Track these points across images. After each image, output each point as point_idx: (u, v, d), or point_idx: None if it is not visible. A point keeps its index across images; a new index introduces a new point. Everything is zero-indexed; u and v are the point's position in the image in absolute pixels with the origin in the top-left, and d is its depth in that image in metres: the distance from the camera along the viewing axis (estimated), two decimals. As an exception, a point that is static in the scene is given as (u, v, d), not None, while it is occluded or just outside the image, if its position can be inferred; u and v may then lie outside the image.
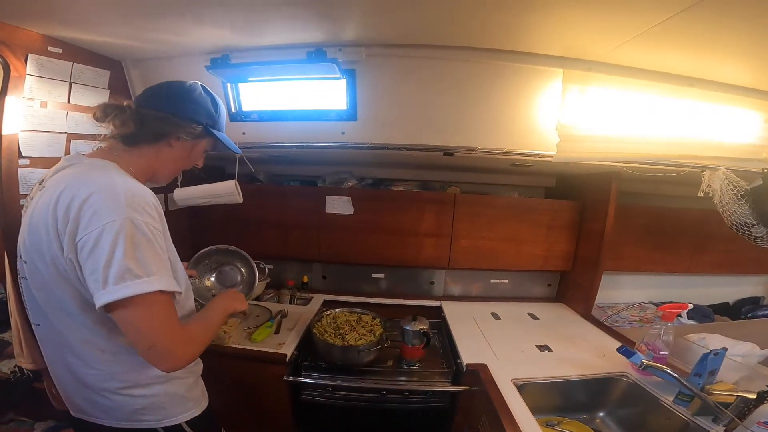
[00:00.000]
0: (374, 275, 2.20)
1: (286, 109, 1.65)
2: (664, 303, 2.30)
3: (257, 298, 2.03)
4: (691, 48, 1.18)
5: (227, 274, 1.70)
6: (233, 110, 1.66)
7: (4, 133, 1.16)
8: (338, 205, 2.02)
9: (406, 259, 2.09)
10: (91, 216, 0.71)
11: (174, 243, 0.89)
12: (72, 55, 1.34)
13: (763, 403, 1.07)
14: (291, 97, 1.62)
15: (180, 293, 0.83)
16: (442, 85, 1.46)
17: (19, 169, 1.20)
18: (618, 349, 1.34)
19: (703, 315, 2.28)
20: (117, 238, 0.70)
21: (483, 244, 2.07)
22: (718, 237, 1.77)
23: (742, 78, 1.39)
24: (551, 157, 1.46)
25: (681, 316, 2.13)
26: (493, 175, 2.27)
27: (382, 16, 1.18)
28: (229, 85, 1.59)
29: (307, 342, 1.63)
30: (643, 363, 1.20)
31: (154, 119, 0.89)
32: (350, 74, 1.46)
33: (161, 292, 0.74)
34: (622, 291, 2.39)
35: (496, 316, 1.97)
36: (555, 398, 1.40)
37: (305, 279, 2.15)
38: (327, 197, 2.02)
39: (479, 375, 1.36)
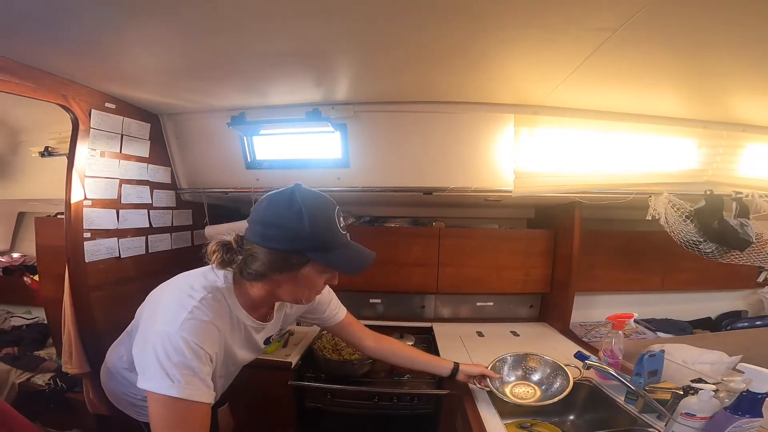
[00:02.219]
0: (371, 300, 2.43)
1: (291, 159, 1.97)
2: (644, 319, 2.51)
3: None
4: (615, 83, 1.38)
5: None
6: (249, 159, 1.97)
7: (73, 179, 1.45)
8: (338, 239, 2.29)
9: (399, 286, 2.32)
10: None
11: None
12: (122, 110, 1.63)
13: (687, 396, 1.18)
14: (295, 148, 1.94)
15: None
16: (419, 133, 1.75)
17: (84, 209, 1.49)
18: (575, 355, 1.52)
19: (680, 329, 2.42)
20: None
21: (467, 272, 2.30)
22: (688, 256, 1.82)
23: (670, 110, 1.62)
24: (511, 192, 1.73)
25: (630, 324, 2.23)
26: (475, 209, 2.53)
27: (365, 81, 1.48)
28: (245, 138, 1.91)
29: (310, 357, 1.86)
30: (586, 363, 1.40)
31: (252, 256, 0.89)
32: (342, 128, 1.76)
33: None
34: (601, 310, 2.54)
35: (480, 334, 2.17)
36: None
37: (309, 305, 2.38)
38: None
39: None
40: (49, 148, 2.04)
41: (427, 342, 2.15)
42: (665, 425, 1.21)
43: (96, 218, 1.53)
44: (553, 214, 2.35)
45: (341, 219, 0.93)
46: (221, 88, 1.55)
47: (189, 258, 2.11)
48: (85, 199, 1.49)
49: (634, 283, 2.46)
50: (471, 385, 1.46)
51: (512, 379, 1.48)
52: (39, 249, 1.99)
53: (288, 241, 0.85)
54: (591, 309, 2.55)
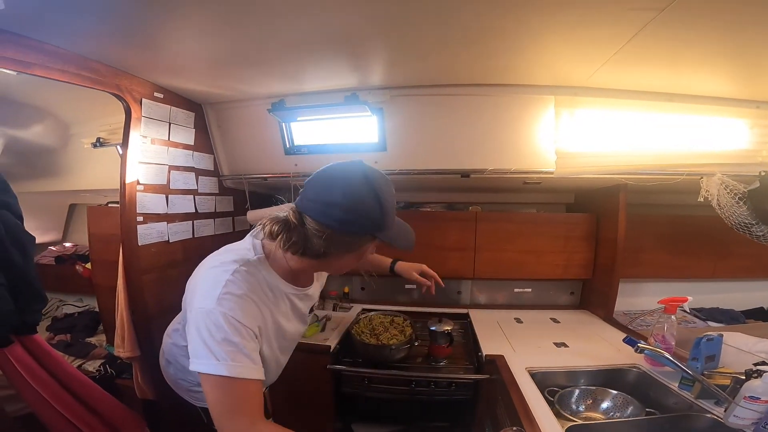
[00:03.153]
0: (407, 286, 2.44)
1: (328, 143, 1.99)
2: (693, 308, 2.40)
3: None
4: (660, 64, 1.34)
5: None
6: (287, 145, 2.01)
7: (127, 168, 1.51)
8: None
9: (436, 271, 2.30)
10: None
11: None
12: (169, 99, 1.70)
13: (750, 380, 1.14)
14: (332, 133, 1.97)
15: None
16: (456, 117, 1.74)
17: (137, 194, 1.56)
18: (624, 339, 1.47)
19: (732, 318, 2.31)
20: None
21: (504, 256, 2.27)
22: (742, 241, 1.74)
23: (720, 90, 1.55)
24: (552, 173, 1.69)
25: (684, 309, 2.17)
26: (512, 194, 2.48)
27: (401, 65, 1.48)
28: (284, 124, 1.94)
29: (347, 341, 1.88)
30: (638, 347, 1.36)
31: (314, 235, 0.86)
32: (379, 112, 1.77)
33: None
34: (646, 298, 2.45)
35: (518, 321, 2.14)
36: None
37: (346, 290, 2.43)
38: (363, 217, 2.31)
39: (496, 363, 1.56)
40: (101, 139, 2.14)
41: (464, 328, 2.14)
42: (725, 410, 1.17)
43: (148, 203, 1.60)
44: (595, 198, 2.27)
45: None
46: (261, 76, 1.59)
47: (227, 241, 2.19)
48: (138, 183, 1.56)
49: (683, 269, 2.36)
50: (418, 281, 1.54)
51: (581, 408, 1.42)
52: (91, 237, 2.09)
53: (366, 226, 0.86)
54: (635, 297, 2.47)
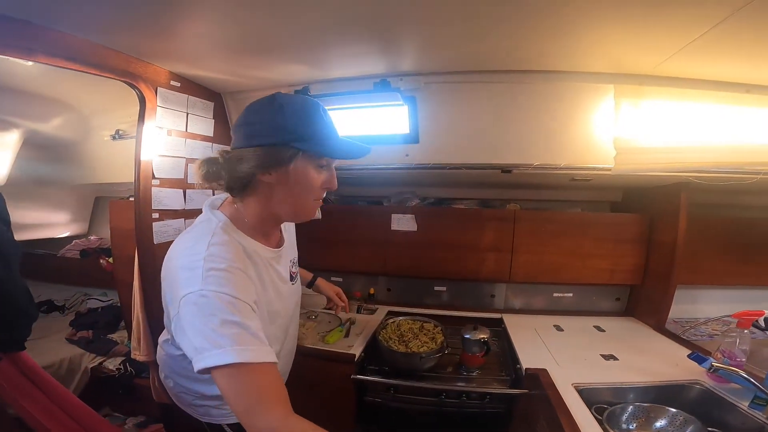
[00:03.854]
0: (436, 288, 2.30)
1: (355, 135, 1.83)
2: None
3: (327, 308, 2.20)
4: (742, 54, 1.18)
5: None
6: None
7: (142, 158, 1.42)
8: (403, 223, 2.18)
9: (467, 273, 2.17)
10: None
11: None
12: (187, 88, 1.59)
13: None
14: (360, 124, 1.81)
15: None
16: (498, 106, 1.57)
17: (152, 189, 1.46)
18: (689, 356, 1.35)
19: (802, 333, 2.07)
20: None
21: (544, 259, 2.09)
22: None
23: None
24: (609, 170, 1.50)
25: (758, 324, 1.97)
26: (554, 191, 2.30)
27: (436, 49, 1.33)
28: None
29: (373, 347, 1.75)
30: (712, 366, 1.18)
31: (237, 163, 0.82)
32: (411, 101, 1.61)
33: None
34: (702, 306, 2.23)
35: (558, 328, 1.97)
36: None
37: (372, 291, 2.30)
38: (393, 215, 2.18)
39: (539, 379, 1.40)
40: (120, 131, 2.07)
41: (498, 335, 1.99)
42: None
43: (164, 198, 1.50)
44: (649, 197, 2.07)
45: (327, 115, 0.87)
46: (282, 62, 1.46)
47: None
48: (154, 178, 1.46)
49: (744, 277, 2.12)
50: None
51: (632, 427, 1.27)
52: (113, 231, 2.03)
53: (273, 133, 0.81)
54: (688, 304, 2.23)
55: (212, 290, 0.73)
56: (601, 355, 1.63)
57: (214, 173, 0.84)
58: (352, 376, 1.62)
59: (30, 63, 1.08)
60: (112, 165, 2.26)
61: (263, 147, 0.81)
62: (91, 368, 2.10)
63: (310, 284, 1.56)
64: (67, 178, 2.62)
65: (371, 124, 1.79)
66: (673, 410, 1.24)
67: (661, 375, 1.43)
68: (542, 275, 2.12)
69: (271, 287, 0.95)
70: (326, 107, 1.67)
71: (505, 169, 1.65)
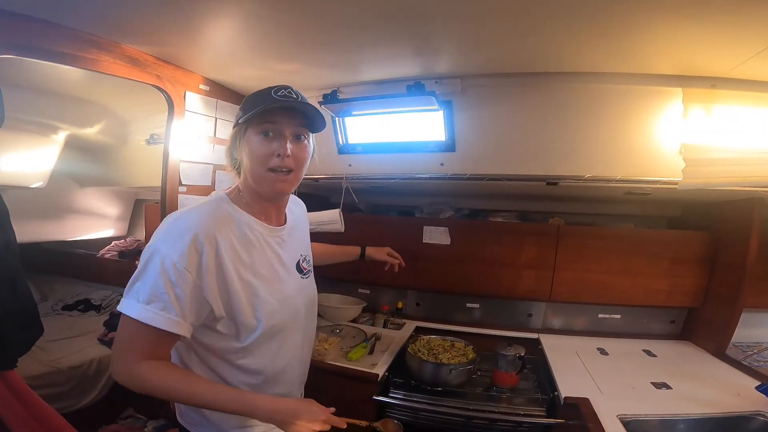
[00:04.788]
0: (468, 305, 2.15)
1: (387, 142, 1.75)
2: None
3: (353, 321, 2.12)
4: None
5: None
6: (341, 142, 1.81)
7: (170, 161, 1.39)
8: (435, 235, 2.05)
9: (503, 290, 2.01)
10: None
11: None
12: (216, 92, 1.56)
13: None
14: (392, 130, 1.72)
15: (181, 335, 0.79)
16: (544, 112, 1.43)
17: (179, 196, 1.43)
18: (757, 387, 1.21)
19: None
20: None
21: (589, 277, 1.91)
22: None
23: None
24: (676, 183, 1.33)
25: None
26: (604, 204, 2.12)
27: (476, 49, 1.22)
28: (337, 119, 1.73)
29: (398, 363, 1.65)
30: None
31: (229, 146, 0.93)
32: (447, 105, 1.50)
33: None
34: (765, 330, 1.95)
35: (603, 352, 1.78)
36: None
37: (400, 305, 2.18)
38: (425, 227, 2.06)
39: (579, 409, 1.24)
40: (155, 136, 2.07)
41: (535, 356, 1.82)
42: None
43: (190, 205, 1.44)
44: (714, 214, 1.86)
45: (280, 91, 0.88)
46: (310, 64, 1.39)
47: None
48: (181, 185, 1.43)
49: None
50: None
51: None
52: (148, 235, 2.04)
53: (237, 117, 0.89)
54: (750, 328, 1.94)
55: (162, 251, 0.77)
56: (651, 382, 1.45)
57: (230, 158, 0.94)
58: (373, 397, 1.50)
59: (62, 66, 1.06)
60: (148, 169, 2.27)
61: (233, 129, 0.91)
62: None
63: (362, 256, 1.58)
64: (108, 180, 2.67)
65: (404, 130, 1.69)
66: None
67: (719, 405, 1.26)
68: (587, 295, 1.94)
69: (263, 263, 0.91)
70: (356, 112, 1.64)
71: (551, 182, 1.49)
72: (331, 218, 1.68)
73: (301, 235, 1.08)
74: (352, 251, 1.57)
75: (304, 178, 1.84)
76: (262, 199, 0.93)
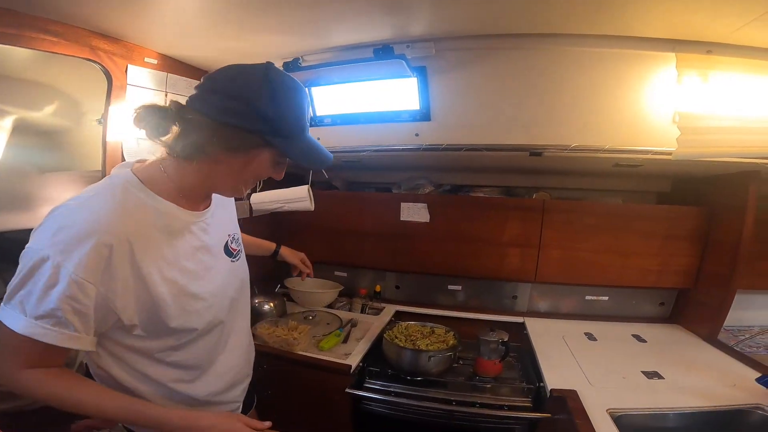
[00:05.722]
0: (450, 287, 2.06)
1: (358, 112, 1.61)
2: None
3: (329, 306, 2.02)
4: None
5: None
6: (308, 115, 1.66)
7: (108, 139, 1.27)
8: (414, 212, 1.93)
9: (487, 271, 1.91)
10: None
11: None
12: (166, 65, 1.42)
13: None
14: (363, 100, 1.58)
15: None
16: (527, 77, 1.31)
17: None
18: (758, 380, 1.15)
19: None
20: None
21: (577, 257, 1.81)
22: None
23: None
24: (669, 153, 1.22)
25: None
26: (589, 179, 2.01)
27: (452, 8, 1.08)
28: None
29: (375, 352, 1.57)
30: None
31: (194, 128, 0.71)
32: (421, 71, 1.38)
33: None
34: (757, 312, 1.93)
35: (590, 337, 1.70)
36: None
37: (378, 288, 2.08)
38: (402, 204, 1.94)
39: (566, 403, 1.16)
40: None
41: (520, 340, 1.74)
42: None
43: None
44: (705, 189, 1.76)
45: (310, 109, 0.81)
46: (270, 32, 1.26)
47: (245, 229, 1.88)
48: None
49: None
50: None
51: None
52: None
53: (251, 119, 0.71)
54: (741, 310, 1.88)
55: (54, 259, 0.62)
56: (642, 372, 1.37)
57: (162, 128, 0.73)
58: (347, 390, 1.41)
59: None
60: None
61: (232, 127, 0.71)
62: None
63: (274, 254, 1.46)
64: (66, 164, 2.50)
65: (376, 99, 1.54)
66: None
67: (715, 398, 1.19)
68: (574, 275, 1.85)
69: (188, 255, 0.79)
70: (322, 82, 1.48)
71: (535, 152, 1.37)
72: (299, 195, 1.55)
73: (227, 213, 0.96)
74: (266, 246, 1.45)
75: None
76: (204, 192, 0.84)
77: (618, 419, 1.08)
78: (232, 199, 1.00)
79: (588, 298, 1.95)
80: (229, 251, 0.91)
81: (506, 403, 1.35)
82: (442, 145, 1.43)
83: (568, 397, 1.19)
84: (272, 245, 1.46)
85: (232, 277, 0.91)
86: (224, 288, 0.87)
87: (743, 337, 1.78)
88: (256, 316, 1.68)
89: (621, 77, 1.24)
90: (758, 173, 1.47)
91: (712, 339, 1.66)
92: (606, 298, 1.94)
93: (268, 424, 0.78)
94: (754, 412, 1.14)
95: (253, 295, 1.77)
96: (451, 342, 1.51)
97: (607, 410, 1.11)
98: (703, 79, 1.15)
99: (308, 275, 1.48)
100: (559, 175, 2.00)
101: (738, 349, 1.60)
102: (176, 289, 0.75)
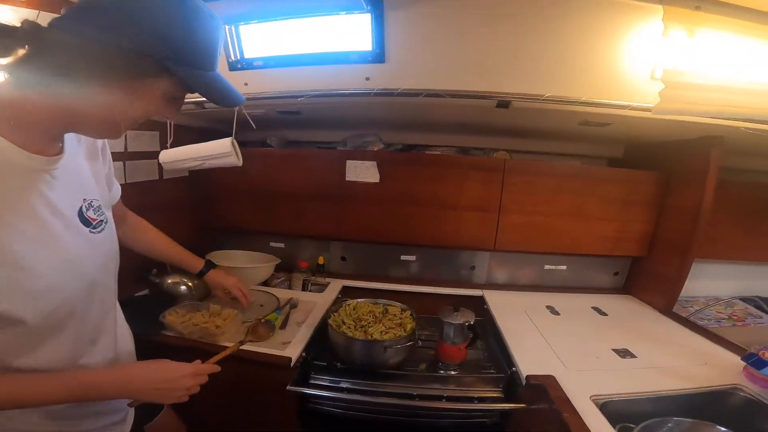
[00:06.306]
0: (403, 257, 2.01)
1: (296, 53, 1.44)
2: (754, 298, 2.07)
3: (264, 283, 1.88)
4: None
5: None
6: (233, 57, 1.48)
7: None
8: (362, 172, 1.81)
9: (444, 238, 1.87)
10: None
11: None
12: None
13: None
14: (303, 40, 1.41)
15: None
16: (498, 20, 1.21)
17: None
18: (745, 358, 1.18)
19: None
20: None
21: (538, 221, 1.84)
22: None
23: None
24: (648, 109, 1.22)
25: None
26: (545, 142, 2.05)
27: None
28: (227, 28, 1.40)
29: (320, 338, 1.45)
30: None
31: (56, 50, 0.60)
32: (376, 5, 1.24)
33: None
34: (702, 282, 2.08)
35: (553, 310, 1.74)
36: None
37: (321, 260, 1.96)
38: (348, 162, 1.82)
39: (546, 391, 1.13)
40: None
41: (482, 316, 1.73)
42: None
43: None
44: (660, 155, 1.86)
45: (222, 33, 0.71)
46: None
47: (154, 194, 1.66)
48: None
49: (755, 250, 2.00)
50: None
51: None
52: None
53: (151, 40, 0.60)
54: (688, 281, 2.04)
55: None
56: (613, 350, 1.40)
57: (3, 46, 0.59)
58: (288, 387, 1.24)
59: None
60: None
61: (118, 48, 0.60)
62: None
63: (200, 274, 1.35)
64: None
65: (319, 39, 1.39)
66: (723, 430, 1.03)
67: (692, 379, 1.22)
68: (534, 241, 1.87)
69: (24, 214, 0.64)
70: (252, 20, 1.32)
71: (503, 102, 1.30)
72: (222, 149, 1.38)
73: (85, 171, 0.80)
74: (191, 262, 1.32)
75: (190, 110, 1.50)
76: (57, 129, 0.69)
77: (603, 406, 1.08)
78: (99, 154, 0.86)
79: (547, 267, 2.01)
80: (85, 219, 0.76)
81: (476, 395, 1.29)
82: (397, 89, 1.31)
83: (548, 385, 1.16)
84: (198, 263, 1.33)
85: (89, 251, 0.75)
86: (77, 265, 0.72)
87: (693, 309, 1.91)
88: (170, 300, 1.49)
89: (602, 26, 1.19)
90: (722, 138, 1.54)
91: (667, 311, 1.76)
92: (564, 267, 2.01)
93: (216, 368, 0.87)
94: (735, 393, 1.18)
95: (165, 274, 1.59)
96: (410, 325, 1.41)
97: (590, 397, 1.10)
98: (689, 34, 1.15)
99: (245, 302, 1.39)
100: (516, 138, 2.00)
101: (695, 323, 1.69)
102: (9, 259, 0.60)
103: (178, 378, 0.80)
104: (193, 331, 1.33)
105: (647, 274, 1.92)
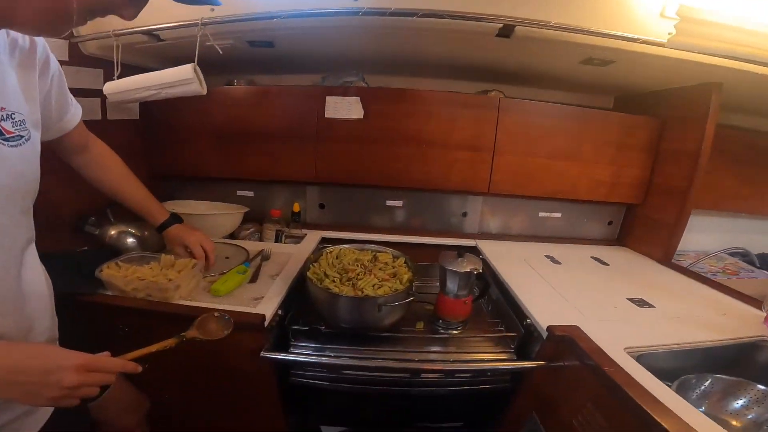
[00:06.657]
0: (389, 203, 1.97)
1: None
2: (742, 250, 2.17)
3: (231, 235, 1.79)
4: None
5: None
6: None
7: None
8: (343, 108, 1.72)
9: (433, 181, 1.84)
10: None
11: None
12: None
13: None
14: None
15: None
16: None
17: None
18: None
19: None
20: None
21: (533, 162, 1.83)
22: None
23: None
24: (662, 44, 1.21)
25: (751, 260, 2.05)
26: (534, 90, 2.09)
27: None
28: None
29: (299, 295, 1.33)
30: None
31: None
32: None
33: None
34: (691, 236, 2.12)
35: (553, 260, 1.74)
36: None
37: (296, 208, 1.86)
38: (328, 98, 1.71)
39: (576, 343, 1.05)
40: None
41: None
42: None
43: None
44: (651, 103, 1.91)
45: None
46: None
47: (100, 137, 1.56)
48: None
49: (746, 201, 2.13)
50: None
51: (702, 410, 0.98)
52: None
53: None
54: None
55: None
56: (628, 299, 1.37)
57: None
58: (262, 354, 1.10)
59: None
60: None
61: None
62: None
63: (160, 228, 1.28)
64: None
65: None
66: (762, 387, 1.02)
67: (718, 330, 1.19)
68: (529, 185, 1.88)
69: None
70: None
71: (508, 25, 1.24)
72: (183, 76, 1.26)
73: (10, 80, 0.71)
74: (155, 213, 1.26)
75: (132, 33, 1.41)
76: None
77: (639, 359, 1.01)
78: (37, 68, 0.79)
79: (541, 215, 2.03)
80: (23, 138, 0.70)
81: (487, 356, 1.20)
82: (389, 8, 1.23)
83: (576, 336, 1.07)
84: (162, 215, 1.26)
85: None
86: None
87: (687, 263, 1.98)
88: (115, 253, 1.30)
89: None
90: (720, 85, 1.56)
91: (667, 262, 1.80)
92: (559, 215, 2.04)
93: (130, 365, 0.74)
94: (762, 345, 1.16)
95: (107, 223, 1.45)
96: (406, 276, 1.27)
97: (624, 349, 1.03)
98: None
99: (208, 263, 1.29)
100: (507, 84, 2.00)
101: (699, 273, 1.73)
102: None
103: (54, 370, 0.61)
104: (137, 288, 1.13)
105: (642, 224, 1.97)
